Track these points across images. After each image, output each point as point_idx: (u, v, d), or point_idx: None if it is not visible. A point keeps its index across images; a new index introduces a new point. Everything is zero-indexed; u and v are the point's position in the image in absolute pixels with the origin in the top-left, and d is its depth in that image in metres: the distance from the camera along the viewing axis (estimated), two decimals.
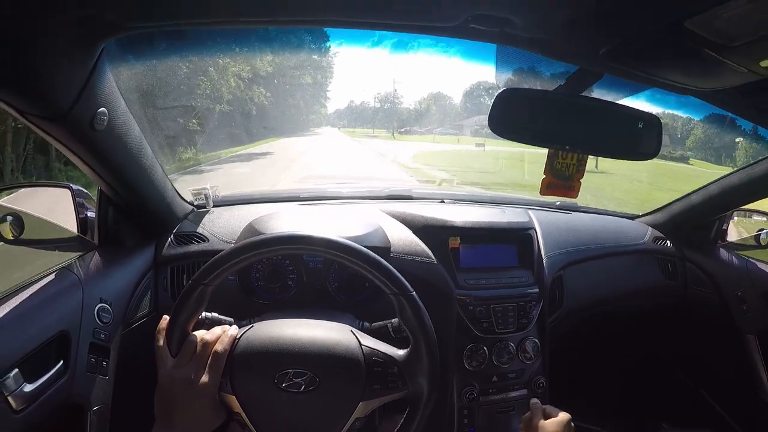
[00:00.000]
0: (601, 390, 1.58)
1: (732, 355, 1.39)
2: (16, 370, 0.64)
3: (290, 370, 0.67)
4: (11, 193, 1.11)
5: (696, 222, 1.47)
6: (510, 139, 0.66)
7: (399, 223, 1.17)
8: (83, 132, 0.69)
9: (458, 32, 0.58)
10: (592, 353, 1.53)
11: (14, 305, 0.70)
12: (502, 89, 0.65)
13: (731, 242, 1.47)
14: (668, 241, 1.49)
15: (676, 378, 1.60)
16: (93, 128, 0.69)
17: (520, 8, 0.52)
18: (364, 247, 0.72)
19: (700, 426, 1.10)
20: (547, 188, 0.74)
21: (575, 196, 0.77)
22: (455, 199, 1.42)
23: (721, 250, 1.47)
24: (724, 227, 1.47)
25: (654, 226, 1.52)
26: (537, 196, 1.25)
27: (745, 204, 1.37)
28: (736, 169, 1.28)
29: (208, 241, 1.08)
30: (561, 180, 0.74)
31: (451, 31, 0.57)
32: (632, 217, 1.61)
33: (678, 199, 1.49)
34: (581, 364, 1.49)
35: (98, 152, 0.77)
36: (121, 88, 0.75)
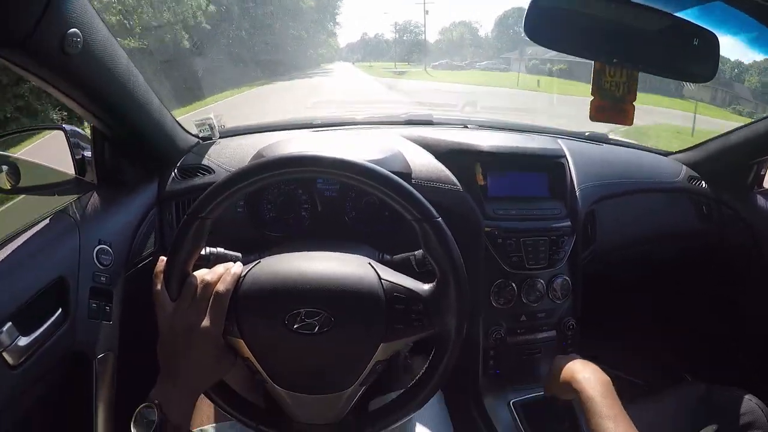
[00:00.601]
0: (629, 334, 1.55)
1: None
2: (9, 323, 0.61)
3: (302, 310, 0.60)
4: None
5: (733, 164, 1.37)
6: (550, 47, 0.58)
7: (420, 148, 1.09)
8: (53, 56, 0.61)
9: None
10: (621, 296, 1.48)
11: (6, 254, 0.67)
12: None
13: None
14: (703, 182, 1.40)
15: (706, 327, 1.55)
16: (64, 52, 0.61)
17: None
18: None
19: (726, 379, 1.06)
20: (596, 112, 0.66)
21: (630, 123, 0.69)
22: (479, 125, 1.34)
23: (758, 196, 1.38)
24: (762, 173, 1.38)
25: (688, 164, 1.43)
26: (565, 126, 1.15)
27: None
28: None
29: (215, 172, 1.02)
30: (612, 101, 0.66)
31: None
32: (665, 154, 1.51)
33: (715, 138, 1.39)
34: (610, 307, 1.44)
35: (77, 80, 0.69)
36: (98, 9, 0.67)
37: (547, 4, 0.56)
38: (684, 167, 1.41)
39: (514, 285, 1.02)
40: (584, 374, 0.75)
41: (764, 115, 1.26)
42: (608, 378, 0.74)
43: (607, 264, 1.24)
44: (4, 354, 0.60)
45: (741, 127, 1.29)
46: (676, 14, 0.69)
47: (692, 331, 1.58)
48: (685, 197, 1.37)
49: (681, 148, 1.49)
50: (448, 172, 1.04)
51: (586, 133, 1.46)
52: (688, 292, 1.54)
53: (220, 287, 0.61)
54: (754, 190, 1.38)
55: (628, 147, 1.50)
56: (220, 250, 0.71)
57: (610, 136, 1.48)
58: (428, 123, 1.31)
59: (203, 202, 0.61)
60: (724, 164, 1.38)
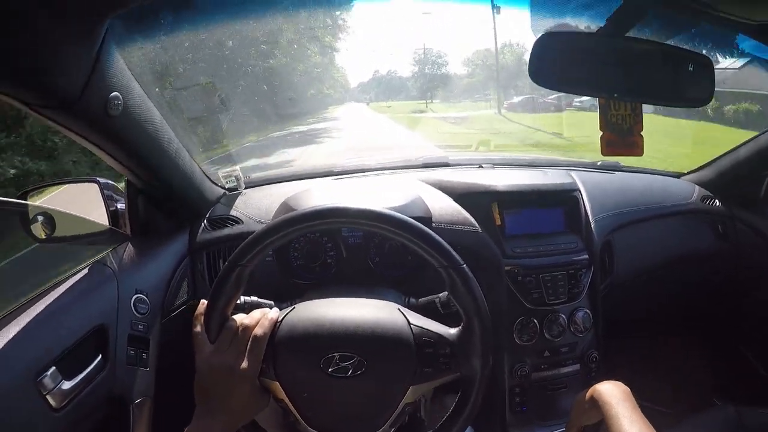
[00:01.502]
0: (654, 363, 1.52)
1: None
2: (54, 368, 0.64)
3: (336, 354, 0.63)
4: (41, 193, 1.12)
5: (746, 178, 1.37)
6: (553, 89, 0.61)
7: (438, 191, 1.12)
8: (98, 119, 0.67)
9: None
10: (643, 324, 1.46)
11: (48, 302, 0.70)
12: (540, 35, 0.59)
13: None
14: (717, 200, 1.40)
15: (732, 349, 1.52)
16: (108, 114, 0.67)
17: None
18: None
19: (757, 402, 1.03)
20: (607, 146, 0.68)
21: (641, 154, 0.70)
22: (494, 164, 1.36)
23: None
24: None
25: (700, 184, 1.43)
26: (576, 157, 1.17)
27: None
28: None
29: (243, 223, 1.06)
30: (620, 135, 0.68)
31: None
32: (677, 175, 1.51)
33: (725, 154, 1.39)
34: (633, 336, 1.42)
35: (117, 139, 0.75)
36: (133, 71, 0.72)
37: (547, 49, 0.59)
38: (696, 187, 1.41)
39: (536, 321, 1.02)
40: (603, 386, 0.74)
41: None
42: (627, 388, 0.73)
43: (627, 292, 1.24)
44: (48, 397, 0.63)
45: (749, 141, 1.30)
46: (668, 42, 0.72)
47: (718, 353, 1.54)
48: (699, 218, 1.37)
49: (691, 169, 1.50)
50: (466, 214, 1.06)
51: (599, 163, 1.48)
52: (711, 314, 1.51)
53: (258, 331, 0.65)
54: None
55: (640, 173, 1.51)
56: (254, 298, 0.75)
57: (621, 164, 1.50)
58: (444, 165, 1.34)
59: (243, 251, 0.65)
60: (735, 180, 1.38)
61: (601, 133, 0.68)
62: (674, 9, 0.64)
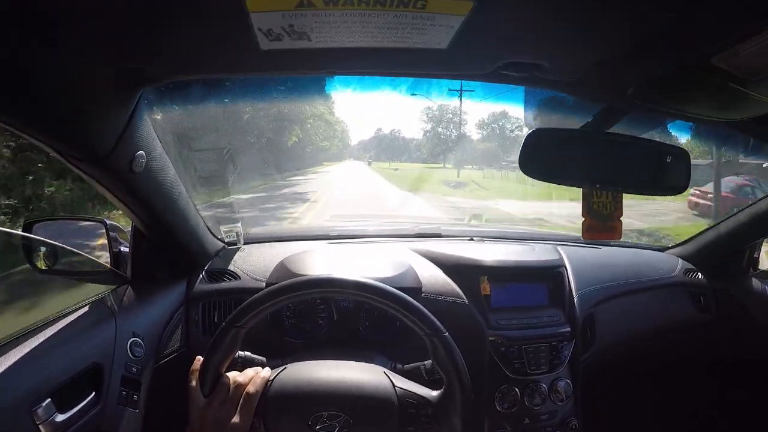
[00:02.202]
0: (637, 430, 1.52)
1: None
2: (49, 399, 0.66)
3: (324, 413, 0.67)
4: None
5: (726, 252, 1.43)
6: (541, 180, 0.66)
7: (429, 262, 1.16)
8: (122, 174, 0.72)
9: (489, 78, 0.59)
10: (627, 393, 1.47)
11: (48, 336, 0.72)
12: (530, 131, 0.65)
13: (764, 271, 1.43)
14: (699, 273, 1.45)
15: (717, 417, 1.52)
16: (132, 171, 0.72)
17: (552, 54, 0.53)
18: (396, 287, 0.73)
19: None
20: (587, 231, 0.73)
21: (618, 238, 0.75)
22: (484, 237, 1.41)
23: (753, 279, 1.42)
24: (756, 255, 1.43)
25: (683, 257, 1.49)
26: (565, 230, 1.21)
27: None
28: (765, 195, 1.25)
29: (240, 278, 1.09)
30: (600, 220, 0.73)
31: (485, 77, 0.59)
32: (662, 249, 1.58)
33: (707, 229, 1.46)
34: (616, 404, 1.43)
35: (136, 192, 0.79)
36: (156, 131, 0.78)
37: (536, 144, 0.65)
38: (680, 261, 1.47)
39: (517, 390, 1.05)
40: None
41: (748, 204, 1.34)
42: None
43: (609, 362, 1.26)
44: (41, 427, 0.64)
45: (729, 217, 1.37)
46: (646, 136, 0.79)
47: (705, 421, 1.55)
48: (682, 290, 1.41)
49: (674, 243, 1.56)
50: (454, 286, 1.11)
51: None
52: (695, 383, 1.53)
53: (251, 388, 0.68)
54: (749, 273, 1.43)
55: (626, 247, 1.57)
56: (248, 354, 0.78)
57: None
58: (437, 236, 1.39)
59: (241, 313, 0.70)
60: (717, 253, 1.44)
61: (583, 219, 0.73)
62: (653, 113, 0.71)
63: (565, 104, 0.74)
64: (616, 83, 0.60)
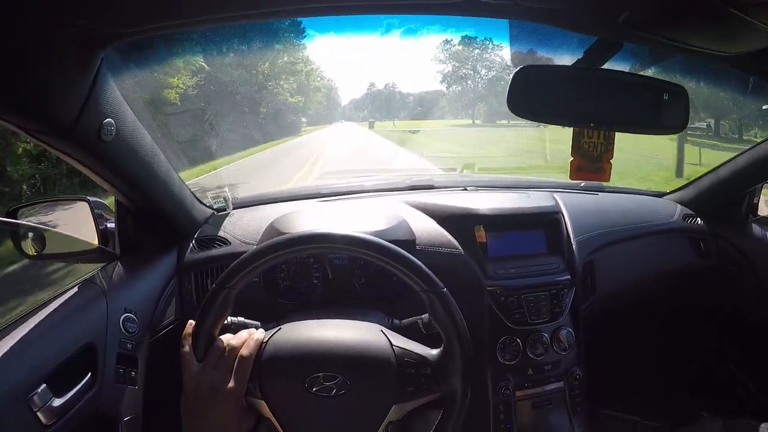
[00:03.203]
0: (640, 378, 1.54)
1: None
2: (44, 385, 0.65)
3: (320, 374, 0.66)
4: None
5: (725, 197, 1.42)
6: (531, 119, 0.64)
7: (422, 214, 1.14)
8: (92, 144, 0.69)
9: (467, 9, 0.55)
10: (628, 340, 1.48)
11: (38, 321, 0.71)
12: (518, 68, 0.62)
13: (764, 216, 1.42)
14: (699, 219, 1.44)
15: (716, 363, 1.54)
16: (101, 139, 0.68)
17: None
18: (389, 241, 0.70)
19: (744, 412, 1.06)
20: (576, 171, 0.71)
21: (607, 179, 0.74)
22: (478, 186, 1.38)
23: (754, 225, 1.41)
24: (756, 201, 1.42)
25: (682, 203, 1.47)
26: (560, 179, 1.19)
27: None
28: (764, 139, 1.22)
29: (230, 244, 1.07)
30: (590, 161, 0.71)
31: (460, 9, 0.55)
32: (660, 195, 1.56)
33: (706, 174, 1.43)
34: (618, 353, 1.44)
35: (110, 163, 0.76)
36: (126, 97, 0.74)
37: (525, 82, 0.62)
38: (678, 206, 1.45)
39: (518, 340, 1.04)
40: None
41: (747, 147, 1.31)
42: None
43: (610, 310, 1.26)
44: (39, 414, 0.63)
45: (728, 161, 1.35)
46: (643, 74, 0.76)
47: (703, 367, 1.57)
48: (682, 236, 1.40)
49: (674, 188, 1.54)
50: (449, 237, 1.09)
51: (582, 184, 1.50)
52: (695, 329, 1.54)
53: (244, 351, 0.67)
54: (749, 219, 1.42)
55: (623, 193, 1.55)
56: (241, 319, 0.77)
57: (604, 184, 1.53)
58: (430, 187, 1.37)
59: (230, 274, 0.68)
60: (717, 198, 1.42)
61: (572, 158, 0.71)
62: (647, 44, 0.67)
63: (556, 38, 0.70)
64: (607, 10, 0.56)
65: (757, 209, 1.43)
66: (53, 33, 0.51)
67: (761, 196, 1.43)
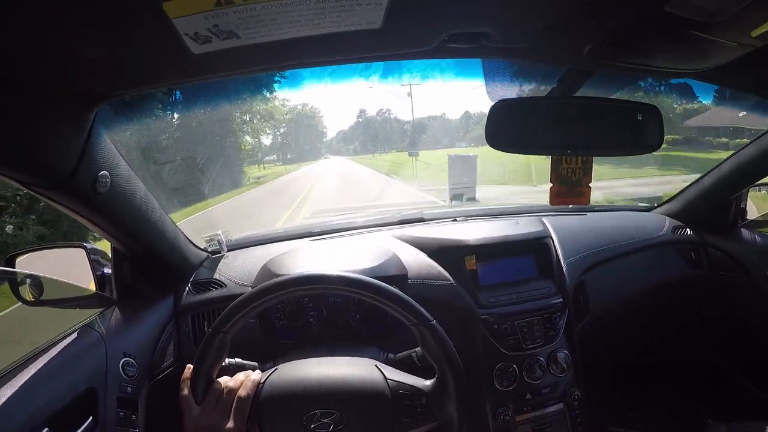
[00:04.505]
0: (641, 391, 1.53)
1: None
2: (46, 429, 0.65)
3: (317, 411, 0.67)
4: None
5: (712, 205, 1.43)
6: (510, 152, 0.66)
7: (413, 247, 1.16)
8: (87, 196, 0.71)
9: (438, 53, 0.58)
10: (626, 355, 1.48)
11: (40, 365, 0.71)
12: (494, 102, 0.64)
13: (752, 220, 1.43)
14: (688, 229, 1.45)
15: (717, 369, 1.54)
16: (96, 191, 0.70)
17: (495, 21, 0.52)
18: (381, 277, 0.73)
19: (746, 416, 1.05)
20: (557, 197, 0.73)
21: (587, 202, 0.76)
22: (467, 216, 1.40)
23: (743, 230, 1.43)
24: (743, 206, 1.43)
25: (671, 215, 1.49)
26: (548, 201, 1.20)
27: (761, 179, 1.32)
28: (745, 144, 1.25)
29: (226, 286, 1.08)
30: (569, 186, 0.73)
31: (431, 53, 0.58)
32: (648, 209, 1.58)
33: (691, 185, 1.46)
34: (616, 369, 1.44)
35: (105, 213, 0.78)
36: (119, 149, 0.77)
37: (502, 115, 0.64)
38: (667, 219, 1.47)
39: (515, 366, 1.04)
40: None
41: (729, 154, 1.34)
42: None
43: (606, 328, 1.26)
44: None
45: (711, 170, 1.37)
46: (615, 96, 0.78)
47: (704, 374, 1.56)
48: (672, 248, 1.41)
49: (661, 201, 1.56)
50: (440, 269, 1.10)
51: (570, 206, 1.51)
52: (692, 338, 1.54)
53: (242, 392, 0.68)
54: (738, 224, 1.43)
55: (611, 210, 1.57)
56: (239, 360, 0.78)
57: (592, 203, 1.53)
58: (420, 220, 1.38)
59: (225, 318, 0.69)
60: (704, 207, 1.44)
61: (551, 184, 0.73)
62: (616, 71, 0.70)
63: (528, 70, 0.73)
64: (572, 44, 0.59)
65: (745, 214, 1.44)
66: (50, 93, 0.54)
67: (747, 199, 1.45)
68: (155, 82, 0.60)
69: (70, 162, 0.64)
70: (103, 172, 0.70)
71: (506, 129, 0.65)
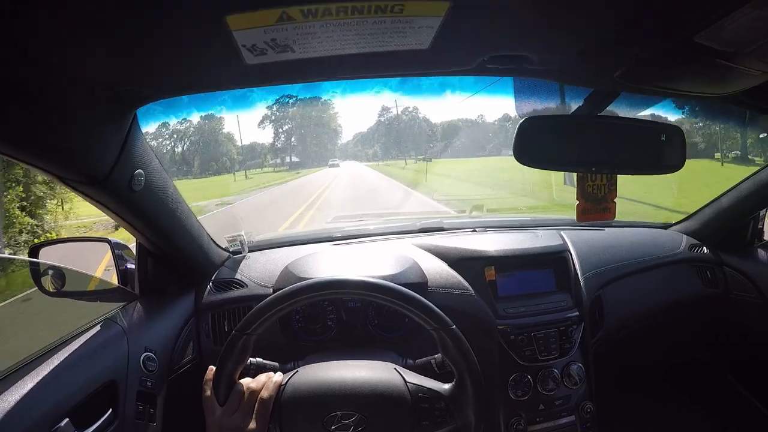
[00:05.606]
0: (654, 406, 1.52)
1: None
2: (67, 419, 0.67)
3: (338, 413, 0.68)
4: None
5: (730, 224, 1.43)
6: (537, 168, 0.67)
7: (433, 256, 1.17)
8: (123, 194, 0.73)
9: (475, 72, 0.60)
10: (638, 371, 1.48)
11: (63, 357, 0.73)
12: (522, 119, 0.66)
13: None
14: (705, 248, 1.45)
15: (730, 389, 1.53)
16: (132, 189, 0.73)
17: (532, 46, 0.54)
18: (402, 283, 0.74)
19: None
20: (582, 214, 0.73)
21: (612, 218, 0.76)
22: (486, 227, 1.41)
23: (759, 250, 1.42)
24: (760, 226, 1.43)
25: (688, 233, 1.49)
26: (567, 215, 1.20)
27: None
28: (764, 165, 1.25)
29: (247, 286, 1.10)
30: (595, 203, 0.74)
31: (468, 72, 0.59)
32: (666, 226, 1.57)
33: (709, 204, 1.45)
34: (629, 383, 1.44)
35: (138, 210, 0.80)
36: (153, 148, 0.79)
37: (530, 132, 0.65)
38: (684, 237, 1.47)
39: (529, 377, 1.05)
40: None
41: (748, 175, 1.33)
42: None
43: (620, 343, 1.26)
44: None
45: (729, 190, 1.37)
46: (640, 116, 0.79)
47: (716, 391, 1.55)
48: (688, 266, 1.41)
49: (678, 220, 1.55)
50: (460, 278, 1.11)
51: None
52: (705, 357, 1.54)
53: (264, 394, 0.69)
54: (755, 245, 1.43)
55: (629, 227, 1.56)
56: (260, 360, 0.79)
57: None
58: (440, 230, 1.39)
59: (249, 320, 0.71)
60: (721, 227, 1.44)
61: (577, 201, 0.74)
62: (643, 94, 0.71)
63: (556, 89, 0.74)
64: (603, 68, 0.60)
65: (762, 234, 1.44)
66: (97, 93, 0.56)
67: (765, 220, 1.44)
68: (201, 88, 0.62)
69: (109, 161, 0.66)
70: (138, 170, 0.72)
71: (533, 145, 0.66)
